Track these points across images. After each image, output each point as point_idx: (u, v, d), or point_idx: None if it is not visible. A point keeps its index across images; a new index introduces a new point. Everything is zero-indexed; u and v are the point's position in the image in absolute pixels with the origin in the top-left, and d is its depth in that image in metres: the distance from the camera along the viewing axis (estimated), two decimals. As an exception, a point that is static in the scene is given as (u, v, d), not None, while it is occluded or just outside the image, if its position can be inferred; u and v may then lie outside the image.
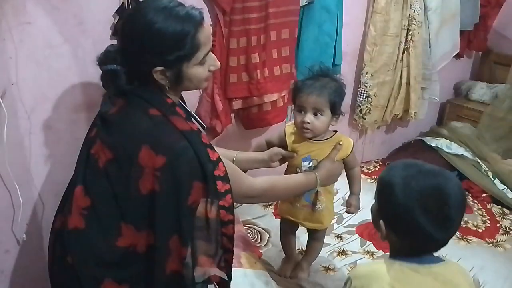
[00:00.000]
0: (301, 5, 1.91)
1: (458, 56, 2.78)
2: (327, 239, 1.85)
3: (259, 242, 1.82)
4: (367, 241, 1.87)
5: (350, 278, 0.96)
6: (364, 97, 2.38)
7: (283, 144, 1.47)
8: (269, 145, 1.52)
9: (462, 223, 1.95)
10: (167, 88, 1.13)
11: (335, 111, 1.37)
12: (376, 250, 1.82)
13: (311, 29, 2.01)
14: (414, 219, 0.86)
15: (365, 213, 2.02)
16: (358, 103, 2.42)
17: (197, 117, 1.29)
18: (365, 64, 2.31)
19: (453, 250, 1.80)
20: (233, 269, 1.45)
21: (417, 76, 2.44)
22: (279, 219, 1.94)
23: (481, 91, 2.82)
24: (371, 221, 1.92)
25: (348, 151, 1.43)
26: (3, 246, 1.60)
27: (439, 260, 0.94)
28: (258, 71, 1.88)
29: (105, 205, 1.10)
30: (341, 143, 1.41)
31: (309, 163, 1.41)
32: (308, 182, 1.38)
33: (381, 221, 0.94)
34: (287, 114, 2.11)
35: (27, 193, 1.58)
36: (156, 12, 1.05)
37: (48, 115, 1.54)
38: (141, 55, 1.07)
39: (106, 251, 1.10)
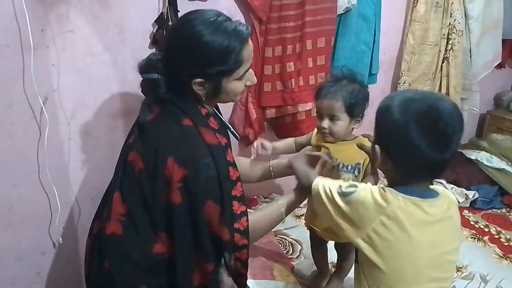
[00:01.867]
0: (338, 13, 1.88)
1: (499, 66, 2.68)
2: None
3: (291, 254, 1.78)
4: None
5: (351, 200, 0.95)
6: (400, 107, 2.32)
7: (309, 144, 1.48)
8: (299, 145, 1.55)
9: (504, 240, 1.90)
10: (203, 99, 1.13)
11: (353, 114, 1.31)
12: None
13: (347, 37, 1.98)
14: (410, 137, 0.86)
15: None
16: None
17: (230, 127, 1.28)
18: (402, 74, 2.25)
19: (494, 269, 1.71)
20: (266, 281, 1.44)
21: (456, 86, 2.36)
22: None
23: (523, 102, 2.70)
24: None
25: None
26: (40, 248, 1.64)
27: (436, 194, 0.95)
28: (293, 80, 1.87)
29: (140, 212, 1.11)
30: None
31: (328, 157, 1.32)
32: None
33: (377, 146, 0.95)
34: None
35: (65, 197, 1.62)
36: (204, 24, 1.05)
37: (87, 122, 1.58)
38: (184, 66, 1.07)
39: (142, 258, 1.10)
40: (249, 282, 1.43)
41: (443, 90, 2.36)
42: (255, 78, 1.17)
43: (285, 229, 1.93)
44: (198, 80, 1.07)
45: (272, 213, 1.23)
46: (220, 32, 1.04)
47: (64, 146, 1.58)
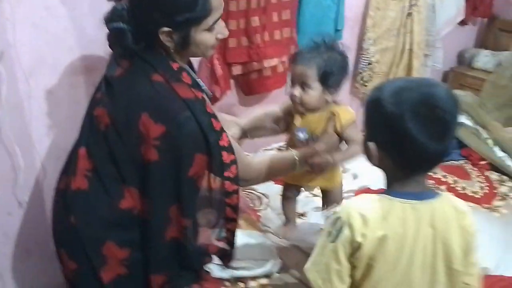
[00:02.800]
0: (302, -34, 1.87)
1: (462, 23, 2.74)
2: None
3: (258, 206, 1.84)
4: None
5: (339, 217, 0.88)
6: (366, 63, 2.37)
7: (287, 113, 1.43)
8: (270, 118, 1.49)
9: (460, 189, 2.02)
10: (172, 51, 1.10)
11: (326, 83, 1.25)
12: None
13: (312, -9, 1.97)
14: (406, 128, 0.81)
15: (363, 180, 2.06)
16: (359, 70, 2.40)
17: (203, 84, 1.26)
18: (367, 30, 2.27)
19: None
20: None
21: (420, 42, 2.41)
22: (278, 185, 1.97)
23: (485, 59, 2.78)
24: (369, 187, 1.97)
25: (344, 122, 1.31)
26: (5, 209, 1.63)
27: (435, 194, 0.91)
28: (258, 35, 1.86)
29: (107, 167, 1.11)
30: (336, 113, 1.32)
31: (303, 134, 1.35)
32: (296, 162, 1.32)
33: (371, 143, 0.88)
34: (287, 80, 2.09)
35: (28, 157, 1.59)
36: None
37: (47, 79, 1.54)
38: (149, 14, 1.04)
39: (108, 213, 1.11)
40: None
41: (407, 46, 2.40)
42: (227, 30, 1.14)
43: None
44: (166, 29, 1.04)
45: (285, 158, 1.32)
46: None
47: (25, 105, 1.54)
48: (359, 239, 0.86)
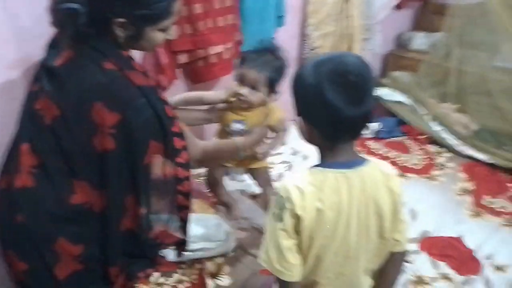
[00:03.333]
0: (241, -47, 1.89)
1: (398, 7, 2.86)
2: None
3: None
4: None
5: (281, 196, 0.93)
6: (309, 49, 2.43)
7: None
8: (207, 101, 1.57)
9: (400, 162, 2.14)
10: (120, 41, 1.08)
11: (272, 88, 1.44)
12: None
13: (253, -21, 2.00)
14: (324, 96, 0.86)
15: (313, 160, 2.14)
16: (303, 56, 2.47)
17: (147, 73, 1.25)
18: (309, 16, 2.34)
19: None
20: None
21: (359, 26, 2.51)
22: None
23: (420, 40, 2.94)
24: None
25: (275, 120, 1.50)
26: None
27: (363, 160, 0.96)
28: (202, 22, 1.86)
29: (55, 162, 1.08)
30: (269, 112, 1.49)
31: (241, 126, 1.49)
32: (239, 148, 1.42)
33: (299, 118, 0.95)
34: (233, 66, 2.12)
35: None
36: None
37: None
38: (111, 2, 1.02)
39: (58, 209, 1.08)
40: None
41: (347, 31, 2.49)
42: (176, 33, 1.21)
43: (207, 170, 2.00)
44: (121, 20, 1.02)
45: (229, 145, 1.40)
46: None
47: (-42, 101, 1.47)
48: (299, 212, 0.90)
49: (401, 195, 0.98)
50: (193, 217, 1.50)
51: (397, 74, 2.83)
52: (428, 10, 3.07)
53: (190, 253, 1.39)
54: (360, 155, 0.97)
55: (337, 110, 0.86)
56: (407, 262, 1.32)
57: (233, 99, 1.49)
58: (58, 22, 1.08)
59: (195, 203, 1.60)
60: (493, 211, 1.86)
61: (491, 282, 1.48)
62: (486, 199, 1.95)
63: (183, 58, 1.95)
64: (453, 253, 1.59)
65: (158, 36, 1.10)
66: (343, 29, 2.49)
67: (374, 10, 2.57)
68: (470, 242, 1.66)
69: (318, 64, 0.90)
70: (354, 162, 0.95)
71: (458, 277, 1.49)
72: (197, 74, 2.02)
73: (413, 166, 2.19)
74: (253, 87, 1.41)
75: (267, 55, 1.43)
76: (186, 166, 1.15)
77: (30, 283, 1.14)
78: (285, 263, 0.93)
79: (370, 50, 2.70)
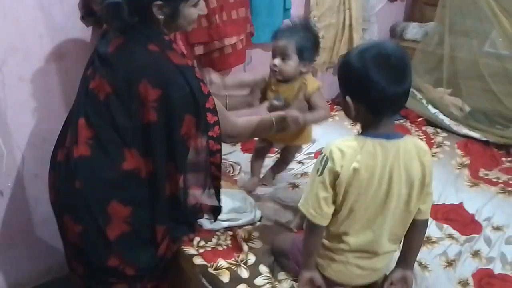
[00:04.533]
0: (251, -50, 2.04)
1: (392, -1, 3.04)
2: (292, 164, 2.09)
3: (232, 173, 2.01)
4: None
5: (324, 155, 1.09)
6: (312, 39, 2.58)
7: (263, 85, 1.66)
8: (251, 83, 1.71)
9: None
10: (162, 24, 1.19)
11: (302, 56, 1.50)
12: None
13: (262, -25, 2.15)
14: (370, 77, 1.01)
15: (321, 143, 2.29)
16: (307, 45, 2.62)
17: (184, 54, 1.41)
18: (312, 8, 2.49)
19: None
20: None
21: (358, 18, 2.68)
22: (247, 154, 2.15)
23: (413, 30, 3.11)
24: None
25: (311, 89, 1.55)
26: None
27: (401, 135, 1.11)
28: (217, 15, 2.01)
29: (108, 133, 1.21)
30: (305, 82, 1.55)
31: (278, 101, 1.55)
32: (275, 122, 1.47)
33: (347, 97, 1.08)
34: (246, 56, 2.27)
35: (7, 145, 1.64)
36: None
37: (20, 67, 1.59)
38: None
39: (112, 175, 1.21)
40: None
41: (347, 22, 2.66)
42: (206, 9, 1.28)
43: (224, 154, 2.14)
44: (159, 2, 1.14)
45: (264, 120, 1.46)
46: None
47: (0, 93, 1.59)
48: (338, 169, 1.06)
49: (432, 169, 1.13)
50: (221, 191, 1.65)
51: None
52: (419, 1, 3.25)
53: (223, 222, 1.54)
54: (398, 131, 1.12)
55: (383, 88, 1.01)
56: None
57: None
58: (105, 17, 1.22)
59: (223, 181, 1.75)
60: (489, 181, 2.03)
61: (491, 240, 1.65)
62: (482, 172, 2.13)
63: (199, 50, 2.08)
64: (455, 217, 1.75)
65: (192, 12, 1.21)
66: (344, 20, 2.65)
67: (371, 2, 2.74)
68: (470, 208, 1.83)
69: (363, 50, 1.06)
70: (393, 135, 1.10)
71: (461, 237, 1.66)
72: (213, 64, 2.16)
73: (414, 145, 2.36)
74: (284, 56, 1.49)
75: (296, 28, 1.52)
76: (218, 139, 1.26)
77: (84, 244, 1.27)
78: (319, 209, 1.09)
79: (368, 40, 2.87)
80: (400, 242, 1.24)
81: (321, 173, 1.08)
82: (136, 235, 1.27)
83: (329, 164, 1.07)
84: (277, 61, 1.50)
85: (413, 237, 1.22)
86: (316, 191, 1.09)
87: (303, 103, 1.54)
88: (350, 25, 2.68)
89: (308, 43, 1.50)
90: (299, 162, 2.14)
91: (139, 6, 1.16)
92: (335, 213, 1.12)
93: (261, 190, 1.84)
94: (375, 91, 1.02)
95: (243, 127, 1.43)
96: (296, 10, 2.47)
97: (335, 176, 1.07)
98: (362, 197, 1.09)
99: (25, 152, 1.72)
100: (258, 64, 2.44)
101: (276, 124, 1.46)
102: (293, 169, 2.06)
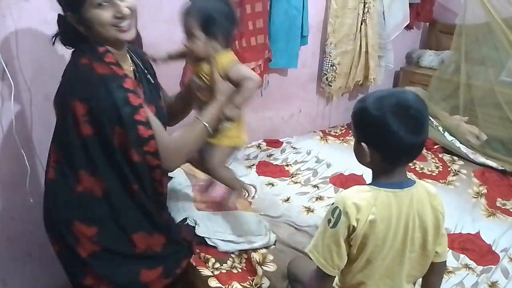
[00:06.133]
0: (271, -19, 2.11)
1: (408, 27, 3.08)
2: (307, 188, 2.10)
3: (247, 195, 2.02)
4: (340, 188, 2.12)
5: (337, 207, 1.05)
6: (329, 65, 2.63)
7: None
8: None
9: (418, 169, 2.30)
10: (90, 35, 1.15)
11: (210, 33, 1.25)
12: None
13: (280, 3, 2.22)
14: (389, 126, 1.00)
15: (336, 167, 2.31)
16: (324, 71, 2.67)
17: (147, 74, 1.33)
18: (329, 35, 2.55)
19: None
20: (228, 212, 1.67)
21: (374, 45, 2.73)
22: (262, 176, 2.17)
23: (429, 58, 3.15)
24: (342, 173, 2.21)
25: (224, 65, 1.27)
26: (9, 214, 1.73)
27: (413, 182, 1.10)
28: (236, 41, 2.07)
29: (63, 156, 1.20)
30: (215, 59, 1.29)
31: (198, 81, 1.36)
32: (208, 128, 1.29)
33: (363, 144, 1.07)
34: (263, 81, 2.32)
35: (32, 161, 1.69)
36: None
37: (46, 86, 1.65)
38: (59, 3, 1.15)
39: (70, 197, 1.21)
40: (216, 214, 1.65)
41: (363, 49, 2.71)
42: (126, 9, 1.13)
43: (240, 177, 2.16)
44: (69, 13, 1.13)
45: (194, 128, 1.27)
46: None
47: (27, 111, 1.66)
48: (354, 223, 1.05)
49: (444, 212, 1.14)
50: (236, 214, 1.67)
51: (410, 88, 3.02)
52: (435, 29, 3.29)
53: (237, 244, 1.55)
54: (409, 176, 1.12)
55: (401, 138, 1.01)
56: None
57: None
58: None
59: (238, 203, 1.77)
60: (506, 211, 2.00)
61: (508, 271, 1.61)
62: (499, 201, 2.10)
63: (218, 74, 2.15)
64: (472, 247, 1.72)
65: (99, 14, 1.10)
66: (360, 47, 2.70)
67: (387, 30, 2.78)
68: (487, 238, 1.80)
69: (382, 98, 1.05)
70: (405, 183, 1.10)
71: (478, 267, 1.63)
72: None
73: (431, 173, 2.35)
74: (189, 36, 1.27)
75: (201, 1, 1.30)
76: (156, 154, 1.18)
77: (62, 264, 1.29)
78: (330, 261, 1.08)
79: (384, 66, 2.90)
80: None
81: (334, 226, 1.06)
82: (110, 252, 1.24)
83: (343, 218, 1.04)
84: (185, 41, 1.29)
85: (432, 280, 1.22)
86: (328, 242, 1.08)
87: (224, 84, 1.28)
88: (366, 51, 2.73)
89: (215, 14, 1.25)
90: (314, 186, 2.15)
91: (62, 21, 1.17)
92: (350, 262, 1.11)
93: (275, 212, 1.85)
94: (393, 141, 1.02)
95: (176, 147, 1.26)
96: (313, 36, 2.53)
97: (351, 230, 1.06)
98: (379, 248, 1.09)
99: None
100: (275, 88, 2.50)
101: (210, 124, 1.28)
102: (308, 193, 2.07)
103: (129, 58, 1.29)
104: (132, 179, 1.20)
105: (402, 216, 1.08)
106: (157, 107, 1.30)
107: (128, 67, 1.26)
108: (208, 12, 1.25)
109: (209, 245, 1.55)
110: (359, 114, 1.09)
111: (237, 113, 1.29)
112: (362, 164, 1.13)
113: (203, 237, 1.55)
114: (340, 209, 1.05)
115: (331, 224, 1.06)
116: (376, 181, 1.11)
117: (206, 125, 1.27)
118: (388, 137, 1.02)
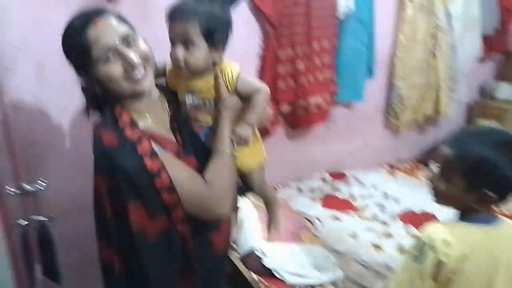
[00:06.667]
0: (339, 18, 2.17)
1: (481, 59, 2.97)
2: (374, 224, 2.06)
3: (312, 228, 2.02)
4: (411, 226, 2.05)
5: (424, 242, 1.04)
6: (397, 98, 2.60)
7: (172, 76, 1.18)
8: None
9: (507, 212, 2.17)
10: (108, 95, 1.03)
11: (213, 41, 1.05)
12: (418, 233, 2.00)
13: (348, 39, 2.26)
14: (503, 169, 1.00)
15: (405, 203, 2.24)
16: (391, 104, 2.64)
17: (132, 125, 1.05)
18: (396, 68, 2.53)
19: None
20: (296, 245, 1.68)
21: (445, 78, 2.66)
22: (328, 209, 2.17)
23: (505, 90, 2.99)
24: (412, 210, 2.13)
25: (233, 78, 1.11)
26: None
27: (498, 218, 1.08)
28: (304, 77, 2.14)
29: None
30: (223, 72, 1.11)
31: (192, 100, 1.13)
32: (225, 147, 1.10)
33: (460, 178, 1.05)
34: (329, 114, 2.35)
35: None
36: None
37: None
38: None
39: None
40: (281, 245, 1.67)
41: (433, 82, 2.65)
42: (135, 58, 0.97)
43: (305, 210, 2.18)
44: (79, 73, 1.03)
45: (221, 161, 1.08)
46: (73, 17, 0.99)
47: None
48: (443, 259, 1.03)
49: None
50: (303, 247, 1.68)
51: (484, 123, 2.88)
52: (511, 60, 3.13)
53: (304, 279, 1.55)
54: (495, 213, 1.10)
55: (509, 178, 1.01)
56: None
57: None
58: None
59: (304, 235, 1.78)
60: None
61: None
62: None
63: (285, 108, 2.22)
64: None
65: (107, 69, 0.97)
66: (430, 80, 2.64)
67: (459, 62, 2.70)
68: None
69: (482, 135, 1.05)
70: (491, 219, 1.08)
71: None
72: (297, 121, 2.28)
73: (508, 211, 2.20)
74: (188, 43, 1.04)
75: (196, 1, 1.06)
76: (185, 220, 1.04)
77: None
78: None
79: (456, 100, 2.81)
80: None
81: (421, 263, 1.04)
82: None
83: (431, 254, 1.03)
84: (179, 51, 1.04)
85: None
86: (412, 279, 1.06)
87: (232, 99, 1.12)
88: (437, 85, 2.67)
89: (218, 21, 1.06)
90: (382, 222, 2.09)
91: (82, 88, 1.07)
92: None
93: (342, 248, 1.83)
94: (505, 183, 1.02)
95: (212, 178, 1.06)
96: (380, 69, 2.52)
97: (439, 267, 1.04)
98: (468, 285, 1.06)
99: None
100: (340, 121, 2.51)
101: (230, 148, 1.10)
102: (376, 229, 2.02)
103: (163, 104, 1.13)
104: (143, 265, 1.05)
105: (492, 252, 1.05)
106: (198, 155, 1.11)
107: (159, 116, 1.10)
108: (213, 17, 1.04)
109: (276, 277, 1.56)
110: (460, 155, 1.06)
111: (251, 132, 1.12)
112: (444, 205, 1.11)
113: (271, 269, 1.57)
114: (427, 244, 1.04)
115: (416, 260, 1.05)
116: (465, 217, 1.09)
117: (230, 151, 1.09)
118: (500, 179, 1.02)
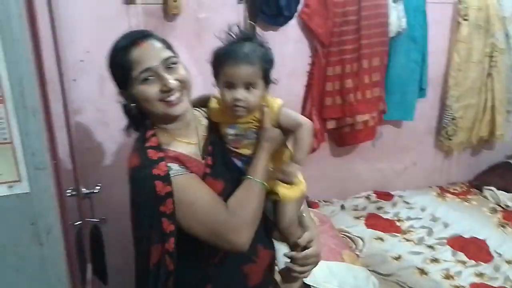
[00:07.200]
0: (390, 36, 2.15)
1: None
2: (420, 248, 1.99)
3: (355, 248, 1.99)
4: (459, 252, 1.96)
5: None
6: (450, 119, 2.52)
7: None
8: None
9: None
10: (146, 115, 1.07)
11: (268, 80, 1.11)
12: (467, 260, 1.92)
13: (399, 57, 2.23)
14: None
15: (454, 228, 2.15)
16: (444, 124, 2.55)
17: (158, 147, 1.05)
18: (450, 88, 2.46)
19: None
20: (337, 263, 1.67)
21: (502, 99, 2.54)
22: (371, 229, 2.13)
23: None
24: (462, 235, 2.05)
25: (275, 111, 1.13)
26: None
27: None
28: (351, 94, 2.13)
29: None
30: (267, 106, 1.13)
31: (234, 131, 1.14)
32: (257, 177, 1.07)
33: None
34: (376, 132, 2.32)
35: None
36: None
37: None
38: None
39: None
40: (322, 262, 1.65)
41: (489, 103, 2.54)
42: (171, 82, 0.99)
43: (347, 227, 2.15)
44: (120, 90, 1.07)
45: (250, 189, 1.06)
46: (120, 37, 1.04)
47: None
48: None
49: None
50: (344, 266, 1.66)
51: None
52: None
53: (343, 298, 1.53)
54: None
55: None
56: None
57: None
58: None
59: (344, 254, 1.76)
60: None
61: None
62: None
63: (332, 124, 2.22)
64: None
65: (143, 90, 1.00)
66: (485, 101, 2.54)
67: (518, 83, 2.57)
68: None
69: None
70: None
71: None
72: (343, 138, 2.27)
73: None
74: (249, 85, 1.08)
75: (248, 44, 1.10)
76: (173, 256, 1.02)
77: None
78: None
79: (514, 122, 2.67)
80: None
81: None
82: None
83: None
84: (241, 93, 1.07)
85: None
86: None
87: (274, 132, 1.13)
88: (493, 106, 2.55)
89: (270, 63, 1.11)
90: (429, 246, 2.02)
91: (124, 107, 1.10)
92: None
93: (385, 270, 1.78)
94: None
95: (235, 206, 1.03)
96: (433, 89, 2.46)
97: None
98: None
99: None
100: (388, 139, 2.47)
101: (264, 179, 1.08)
102: (422, 253, 1.96)
103: (199, 126, 1.14)
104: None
105: None
106: (226, 181, 1.09)
107: (191, 138, 1.10)
108: (268, 59, 1.09)
109: (315, 294, 1.55)
110: None
111: (297, 169, 1.10)
112: None
113: (310, 284, 1.56)
114: None
115: None
116: None
117: (261, 182, 1.07)
118: None
